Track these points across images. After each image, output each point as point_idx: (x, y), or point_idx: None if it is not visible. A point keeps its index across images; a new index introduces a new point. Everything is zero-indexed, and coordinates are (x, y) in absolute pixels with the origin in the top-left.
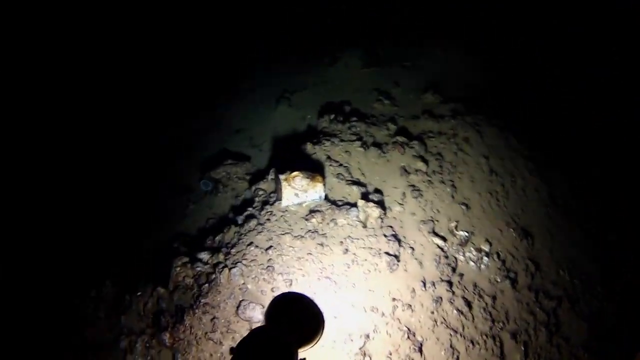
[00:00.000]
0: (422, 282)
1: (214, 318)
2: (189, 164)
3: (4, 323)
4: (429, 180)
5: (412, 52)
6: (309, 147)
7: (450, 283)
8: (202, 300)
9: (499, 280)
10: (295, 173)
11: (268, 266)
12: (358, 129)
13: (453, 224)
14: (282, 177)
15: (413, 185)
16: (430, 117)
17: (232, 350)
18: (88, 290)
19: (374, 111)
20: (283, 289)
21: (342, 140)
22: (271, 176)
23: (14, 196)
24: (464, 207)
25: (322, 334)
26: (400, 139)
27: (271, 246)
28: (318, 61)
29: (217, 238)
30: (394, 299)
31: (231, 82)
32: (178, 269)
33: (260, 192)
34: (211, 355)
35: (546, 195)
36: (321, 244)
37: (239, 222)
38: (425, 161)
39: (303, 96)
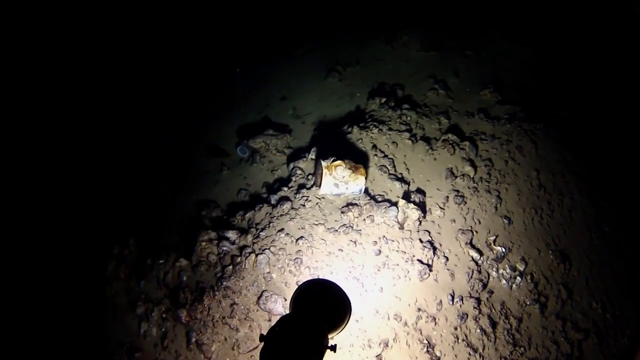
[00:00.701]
0: (451, 295)
1: (233, 304)
2: (227, 126)
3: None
4: (475, 187)
5: (476, 40)
6: (355, 131)
7: (478, 300)
8: (224, 283)
9: (528, 303)
10: (338, 162)
11: (296, 258)
12: (408, 118)
13: (492, 238)
14: (323, 163)
15: (457, 190)
16: (486, 117)
17: (262, 337)
18: (111, 246)
19: (427, 100)
20: None
21: (390, 129)
22: (311, 156)
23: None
24: (505, 220)
25: (349, 320)
26: (451, 137)
27: (302, 236)
28: (375, 37)
29: (248, 215)
30: (419, 309)
31: (283, 45)
32: (204, 243)
33: (298, 172)
34: (226, 339)
35: (592, 219)
36: (354, 241)
37: (272, 202)
38: (474, 166)
39: (355, 72)
